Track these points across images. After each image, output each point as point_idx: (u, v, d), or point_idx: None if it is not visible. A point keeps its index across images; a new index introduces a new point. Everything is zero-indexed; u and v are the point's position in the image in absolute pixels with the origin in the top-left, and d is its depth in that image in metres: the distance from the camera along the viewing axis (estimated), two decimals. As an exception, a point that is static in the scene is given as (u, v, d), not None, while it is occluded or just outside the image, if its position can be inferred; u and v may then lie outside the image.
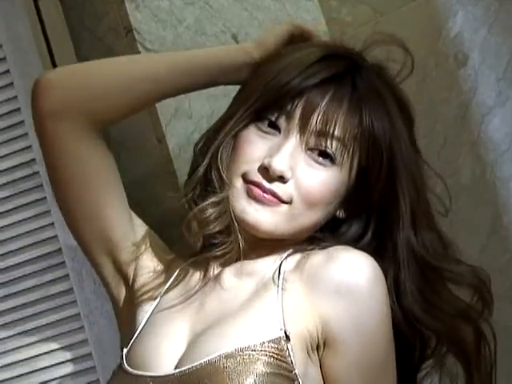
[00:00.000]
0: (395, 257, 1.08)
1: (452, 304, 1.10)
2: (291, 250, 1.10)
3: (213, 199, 1.07)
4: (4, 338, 1.51)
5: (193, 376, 1.04)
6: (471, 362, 1.12)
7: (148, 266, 1.18)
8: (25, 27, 1.44)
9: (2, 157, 1.50)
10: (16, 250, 1.47)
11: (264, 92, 1.09)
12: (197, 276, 1.14)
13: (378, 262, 1.05)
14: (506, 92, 1.50)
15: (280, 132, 1.08)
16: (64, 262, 1.45)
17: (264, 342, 1.02)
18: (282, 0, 1.53)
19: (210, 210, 1.07)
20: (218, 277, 1.13)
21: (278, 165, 1.04)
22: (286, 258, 1.09)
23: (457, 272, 1.10)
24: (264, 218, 1.06)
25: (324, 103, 1.07)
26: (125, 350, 1.12)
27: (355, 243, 1.09)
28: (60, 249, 1.45)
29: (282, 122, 1.08)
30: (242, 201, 1.07)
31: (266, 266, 1.10)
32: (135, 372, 1.10)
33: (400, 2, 1.52)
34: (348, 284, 1.03)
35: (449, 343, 1.12)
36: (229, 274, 1.12)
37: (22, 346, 1.50)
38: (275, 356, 1.03)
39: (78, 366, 1.50)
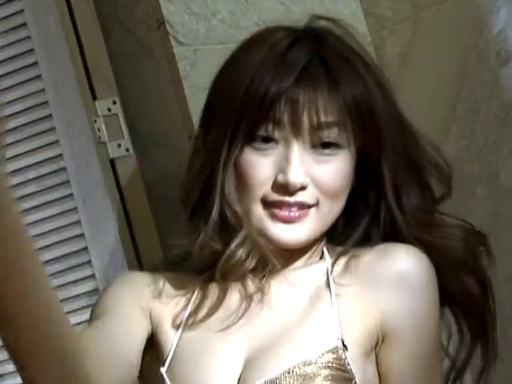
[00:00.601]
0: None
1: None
2: (336, 257, 1.12)
3: (237, 241, 1.08)
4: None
5: None
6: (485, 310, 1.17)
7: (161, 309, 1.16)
8: (54, 19, 1.43)
9: (28, 152, 1.48)
10: (41, 248, 1.46)
11: (243, 109, 1.08)
12: (235, 294, 1.13)
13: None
14: (549, 92, 1.51)
15: (277, 142, 1.08)
16: (90, 261, 1.43)
17: (323, 354, 1.05)
18: (319, -7, 1.53)
19: (239, 253, 1.08)
20: (262, 292, 1.13)
21: (296, 178, 1.05)
22: (333, 264, 1.11)
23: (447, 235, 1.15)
24: (299, 233, 1.08)
25: (306, 97, 1.07)
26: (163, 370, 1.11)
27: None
28: (86, 247, 1.43)
29: (274, 133, 1.08)
30: (270, 228, 1.08)
31: (312, 273, 1.12)
32: None
33: (440, -3, 1.53)
34: (409, 276, 1.08)
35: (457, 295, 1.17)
36: (274, 288, 1.13)
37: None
38: (335, 366, 1.07)
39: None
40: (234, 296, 1.14)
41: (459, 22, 1.57)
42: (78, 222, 1.45)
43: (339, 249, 1.15)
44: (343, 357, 1.08)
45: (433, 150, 1.16)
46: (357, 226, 1.17)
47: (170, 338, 1.15)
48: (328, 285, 1.13)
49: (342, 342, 1.07)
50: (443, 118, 1.61)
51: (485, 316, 1.21)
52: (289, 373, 1.08)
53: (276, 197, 1.09)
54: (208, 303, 1.16)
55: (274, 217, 1.10)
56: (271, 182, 1.09)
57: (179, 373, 1.15)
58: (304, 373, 1.08)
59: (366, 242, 1.16)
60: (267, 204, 1.10)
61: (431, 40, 1.65)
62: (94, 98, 1.45)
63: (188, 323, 1.18)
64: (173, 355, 1.16)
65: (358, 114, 1.10)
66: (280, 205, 1.09)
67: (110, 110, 1.44)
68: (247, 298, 1.13)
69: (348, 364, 1.08)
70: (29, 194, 1.48)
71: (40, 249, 1.45)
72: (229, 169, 1.11)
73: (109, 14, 1.46)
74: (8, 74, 1.50)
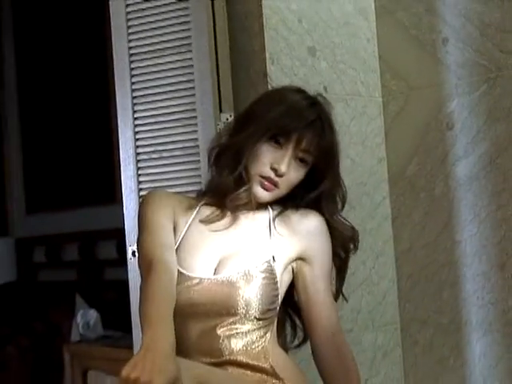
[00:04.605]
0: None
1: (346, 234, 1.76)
2: (278, 210, 1.71)
3: (245, 187, 1.66)
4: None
5: (224, 282, 1.60)
6: (345, 262, 1.78)
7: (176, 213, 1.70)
8: (209, 49, 2.20)
9: (181, 133, 2.27)
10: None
11: (274, 127, 1.64)
12: (227, 216, 1.69)
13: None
14: None
15: (281, 147, 1.65)
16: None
17: (262, 264, 1.63)
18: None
19: (243, 194, 1.67)
20: (236, 219, 1.69)
21: (284, 169, 1.64)
22: (276, 215, 1.71)
23: (343, 228, 1.76)
24: (268, 197, 1.67)
25: (306, 136, 1.64)
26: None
27: (305, 198, 1.71)
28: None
29: (283, 142, 1.65)
30: (258, 188, 1.66)
31: (263, 217, 1.71)
32: (186, 273, 1.61)
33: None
34: (317, 227, 1.70)
35: (347, 248, 1.77)
36: (244, 219, 1.70)
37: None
38: (267, 271, 1.63)
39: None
40: (226, 217, 1.69)
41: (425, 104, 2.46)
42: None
43: (280, 208, 1.72)
44: (272, 266, 1.64)
45: (343, 185, 1.75)
46: (295, 200, 1.72)
47: (180, 230, 1.68)
48: (269, 226, 1.70)
49: (273, 258, 1.64)
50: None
51: (344, 264, 1.79)
52: (238, 273, 1.61)
53: (269, 174, 1.64)
54: (206, 215, 1.70)
55: (262, 184, 1.65)
56: (269, 165, 1.64)
57: (179, 253, 1.66)
58: (248, 273, 1.62)
59: (296, 207, 1.72)
60: (261, 176, 1.65)
61: (411, 108, 2.53)
62: (220, 111, 2.24)
63: (190, 224, 1.69)
64: (179, 242, 1.67)
65: (327, 153, 1.67)
66: (268, 179, 1.65)
67: (227, 119, 2.21)
68: (229, 220, 1.68)
69: (274, 270, 1.64)
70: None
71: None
72: (251, 151, 1.65)
73: (236, 57, 2.26)
74: (170, 87, 2.30)
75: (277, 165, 1.63)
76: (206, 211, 1.71)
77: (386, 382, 2.54)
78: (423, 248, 2.53)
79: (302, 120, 1.64)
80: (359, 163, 2.50)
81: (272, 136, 1.65)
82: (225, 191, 1.67)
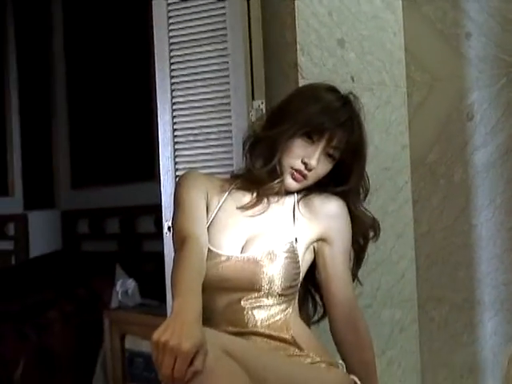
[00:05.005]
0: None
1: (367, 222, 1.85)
2: (303, 194, 1.79)
3: (278, 180, 1.74)
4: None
5: (249, 260, 1.67)
6: (364, 249, 1.86)
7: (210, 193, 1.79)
8: (243, 43, 2.27)
9: (216, 118, 2.33)
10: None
11: (309, 124, 1.71)
12: (252, 202, 1.77)
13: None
14: None
15: (313, 143, 1.72)
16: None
17: (285, 244, 1.70)
18: None
19: (276, 185, 1.75)
20: (266, 204, 1.77)
21: (314, 163, 1.72)
22: (300, 199, 1.79)
23: (365, 217, 1.84)
24: (296, 186, 1.76)
25: (338, 133, 1.72)
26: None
27: (332, 191, 1.79)
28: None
29: (315, 138, 1.72)
30: (289, 179, 1.75)
31: (289, 201, 1.79)
32: (216, 250, 1.69)
33: None
34: (338, 211, 1.78)
35: (366, 236, 1.85)
36: (272, 203, 1.78)
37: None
38: (290, 251, 1.70)
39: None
40: (257, 202, 1.77)
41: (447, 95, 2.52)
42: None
43: (304, 192, 1.79)
44: (295, 246, 1.71)
45: (366, 177, 1.83)
46: (319, 187, 1.79)
47: (212, 210, 1.76)
48: (293, 209, 1.78)
49: (295, 239, 1.71)
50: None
51: (363, 251, 1.86)
52: (263, 252, 1.68)
53: (300, 167, 1.72)
54: (241, 201, 1.78)
55: (292, 176, 1.74)
56: (300, 159, 1.72)
57: (210, 231, 1.73)
58: (272, 252, 1.68)
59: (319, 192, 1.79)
60: (292, 168, 1.73)
61: (434, 98, 2.58)
62: (253, 98, 2.28)
63: (222, 205, 1.77)
64: (211, 221, 1.74)
65: (355, 150, 1.75)
66: (299, 171, 1.73)
67: (259, 106, 2.26)
68: (263, 203, 1.76)
69: (296, 250, 1.71)
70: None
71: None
72: (285, 144, 1.72)
73: (268, 48, 2.30)
74: (206, 75, 2.37)
75: (308, 159, 1.72)
76: (238, 194, 1.79)
77: (402, 355, 2.61)
78: (441, 231, 2.59)
79: (335, 120, 1.71)
80: (383, 149, 2.56)
81: (305, 132, 1.72)
82: (260, 181, 1.76)
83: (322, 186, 1.80)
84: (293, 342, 1.69)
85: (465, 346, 2.54)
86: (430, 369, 2.64)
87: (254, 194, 1.78)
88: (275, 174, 1.74)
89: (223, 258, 1.68)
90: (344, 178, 1.78)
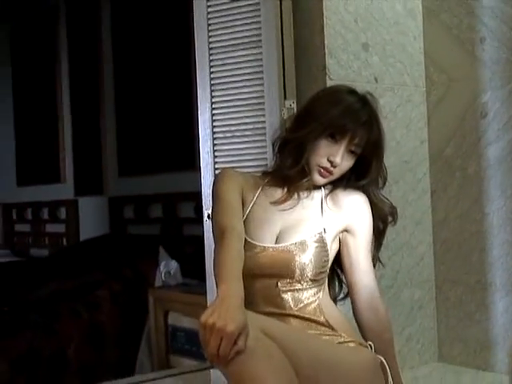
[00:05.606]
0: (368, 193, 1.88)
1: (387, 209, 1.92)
2: (329, 189, 1.88)
3: (307, 179, 1.83)
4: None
5: (283, 250, 1.76)
6: (383, 233, 1.93)
7: (244, 189, 1.87)
8: (276, 45, 2.36)
9: (250, 116, 2.45)
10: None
11: (333, 125, 1.78)
12: (285, 197, 1.86)
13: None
14: None
15: (337, 142, 1.79)
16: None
17: (314, 235, 1.78)
18: None
19: (304, 183, 1.84)
20: (296, 199, 1.85)
21: (339, 161, 1.80)
22: (327, 194, 1.88)
23: (383, 204, 1.91)
24: (323, 181, 1.84)
25: (359, 132, 1.79)
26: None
27: (354, 185, 1.88)
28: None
29: (339, 138, 1.79)
30: (316, 175, 1.83)
31: (317, 196, 1.88)
32: (253, 242, 1.77)
33: None
34: (360, 205, 1.87)
35: (385, 221, 1.92)
36: (302, 198, 1.86)
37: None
38: (319, 241, 1.78)
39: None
40: (288, 197, 1.84)
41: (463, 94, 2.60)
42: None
43: (331, 187, 1.87)
44: (323, 236, 1.79)
45: (384, 167, 1.89)
46: (343, 180, 1.88)
47: (247, 205, 1.83)
48: (321, 203, 1.86)
49: (324, 230, 1.80)
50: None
51: (382, 235, 1.93)
52: (296, 243, 1.76)
53: (326, 164, 1.80)
54: (273, 197, 1.86)
55: (319, 172, 1.81)
56: (326, 157, 1.79)
57: (246, 224, 1.79)
58: (304, 243, 1.76)
59: (344, 187, 1.87)
60: (319, 166, 1.81)
61: (450, 97, 2.67)
62: (285, 98, 2.37)
63: (256, 200, 1.84)
64: (247, 214, 1.81)
65: (375, 146, 1.82)
66: (325, 169, 1.81)
67: (290, 105, 2.36)
68: (293, 198, 1.84)
69: (325, 240, 1.79)
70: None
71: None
72: (312, 145, 1.79)
73: (299, 52, 2.40)
74: (242, 77, 2.45)
75: (333, 157, 1.81)
76: (270, 190, 1.89)
77: (421, 330, 2.73)
78: (456, 218, 2.69)
79: (357, 121, 1.79)
80: (404, 144, 2.68)
81: (330, 133, 1.80)
82: (291, 180, 1.85)
83: (345, 179, 1.91)
84: (326, 323, 1.78)
85: (478, 324, 2.63)
86: (446, 344, 2.75)
87: (285, 190, 1.87)
88: (304, 172, 1.83)
89: (260, 249, 1.77)
90: (365, 171, 1.87)
